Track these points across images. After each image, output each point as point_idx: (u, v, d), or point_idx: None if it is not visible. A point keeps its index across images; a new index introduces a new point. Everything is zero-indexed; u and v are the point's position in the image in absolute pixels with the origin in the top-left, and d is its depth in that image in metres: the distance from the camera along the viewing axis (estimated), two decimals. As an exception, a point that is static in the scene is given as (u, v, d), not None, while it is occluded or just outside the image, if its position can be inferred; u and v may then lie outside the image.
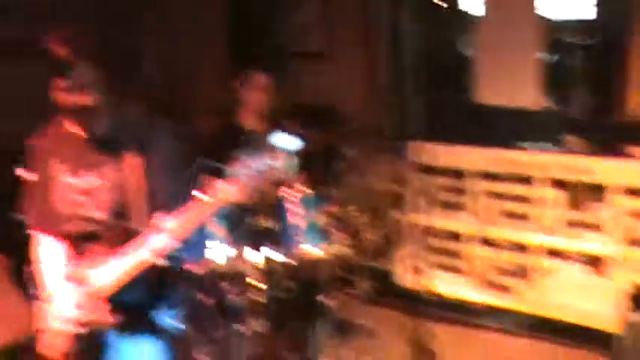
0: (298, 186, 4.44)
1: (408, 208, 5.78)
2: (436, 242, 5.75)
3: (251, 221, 4.23)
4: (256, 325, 4.03)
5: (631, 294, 4.40)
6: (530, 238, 5.30)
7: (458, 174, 5.60)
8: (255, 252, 4.17)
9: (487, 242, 5.51)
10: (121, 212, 3.40)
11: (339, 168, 6.02)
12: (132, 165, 3.44)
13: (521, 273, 5.36)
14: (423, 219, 5.73)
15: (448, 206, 5.68)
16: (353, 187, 5.97)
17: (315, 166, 5.54)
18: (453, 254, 5.69)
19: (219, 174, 3.51)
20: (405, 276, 5.80)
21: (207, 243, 4.12)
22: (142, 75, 6.45)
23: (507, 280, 5.43)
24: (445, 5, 6.04)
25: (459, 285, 5.64)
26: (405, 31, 6.09)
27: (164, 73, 6.55)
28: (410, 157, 5.74)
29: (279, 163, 3.42)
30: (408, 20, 6.09)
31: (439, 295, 5.53)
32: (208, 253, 4.12)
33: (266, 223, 4.27)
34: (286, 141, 3.58)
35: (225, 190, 3.34)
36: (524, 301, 5.34)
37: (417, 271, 5.55)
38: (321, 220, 4.32)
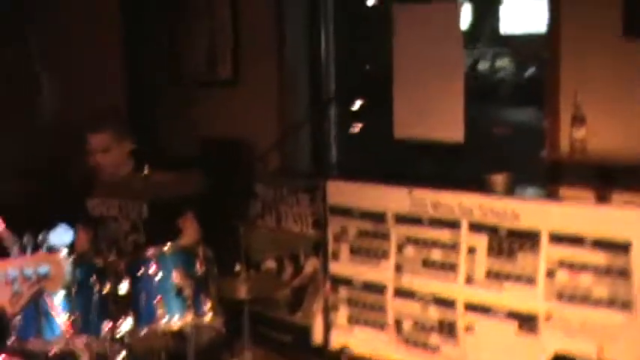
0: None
1: (327, 255, 5.18)
2: (355, 294, 5.13)
3: (99, 288, 3.64)
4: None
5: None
6: (454, 290, 4.69)
7: (377, 217, 5.00)
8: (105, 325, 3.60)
9: (408, 294, 4.90)
10: None
11: (252, 210, 5.46)
12: None
13: (445, 330, 4.75)
14: (341, 268, 5.13)
15: (368, 253, 5.08)
16: (267, 230, 5.41)
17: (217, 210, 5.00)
18: (374, 308, 5.07)
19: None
20: (320, 332, 5.19)
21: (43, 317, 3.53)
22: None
23: (431, 338, 4.81)
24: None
25: (379, 342, 5.01)
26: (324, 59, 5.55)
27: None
28: (328, 199, 5.14)
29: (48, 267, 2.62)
30: (327, 48, 5.55)
31: (356, 354, 4.93)
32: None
33: (118, 290, 3.69)
34: (61, 236, 2.70)
35: None
36: (449, 361, 4.73)
37: (334, 326, 4.94)
38: (185, 283, 3.71)
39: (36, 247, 2.50)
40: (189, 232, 4.42)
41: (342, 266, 5.12)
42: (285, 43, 5.65)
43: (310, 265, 5.31)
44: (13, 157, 5.43)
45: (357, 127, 5.65)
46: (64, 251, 2.56)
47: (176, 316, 3.71)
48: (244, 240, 4.73)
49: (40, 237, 2.51)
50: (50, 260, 2.50)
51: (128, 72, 6.24)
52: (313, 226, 5.31)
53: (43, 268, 2.47)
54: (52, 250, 2.53)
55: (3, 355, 3.49)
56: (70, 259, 2.60)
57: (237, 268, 4.23)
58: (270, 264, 5.44)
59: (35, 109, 5.95)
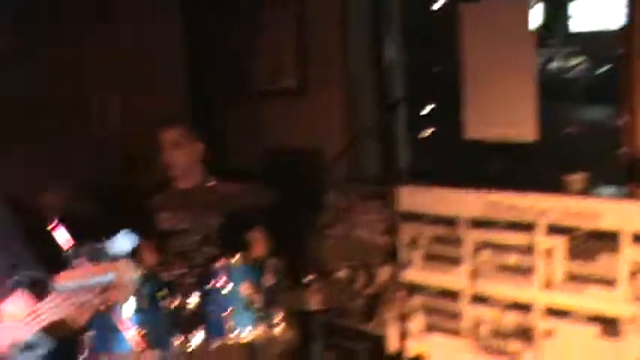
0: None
1: (399, 262, 5.07)
2: (429, 301, 5.02)
3: (169, 302, 3.61)
4: None
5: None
6: (531, 294, 4.55)
7: (450, 222, 4.88)
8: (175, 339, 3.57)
9: (484, 300, 4.77)
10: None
11: (322, 219, 5.38)
12: None
13: (523, 335, 4.61)
14: (414, 275, 5.02)
15: (441, 259, 4.96)
16: (338, 239, 5.33)
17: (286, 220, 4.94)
18: (448, 314, 4.95)
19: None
20: (395, 340, 5.09)
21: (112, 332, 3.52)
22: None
23: (508, 344, 4.67)
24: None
25: (456, 350, 4.90)
26: (389, 65, 5.46)
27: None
28: (398, 205, 5.04)
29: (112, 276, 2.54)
30: (394, 53, 5.47)
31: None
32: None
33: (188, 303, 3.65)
34: (122, 243, 2.61)
35: None
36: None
37: (408, 334, 4.84)
38: (254, 296, 3.66)
39: (98, 257, 2.46)
40: (258, 246, 4.38)
41: (416, 273, 5.02)
42: (350, 49, 5.57)
43: (383, 272, 5.21)
44: (81, 174, 5.46)
45: (427, 131, 5.54)
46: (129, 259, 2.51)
47: (246, 329, 3.66)
48: (315, 250, 4.68)
49: (101, 246, 2.47)
50: (113, 269, 2.45)
51: (192, 84, 6.22)
52: (385, 233, 5.21)
53: (108, 277, 2.43)
54: (115, 258, 2.49)
55: None
56: (133, 266, 2.54)
57: (309, 278, 4.17)
58: (342, 273, 5.36)
59: (99, 124, 5.96)
